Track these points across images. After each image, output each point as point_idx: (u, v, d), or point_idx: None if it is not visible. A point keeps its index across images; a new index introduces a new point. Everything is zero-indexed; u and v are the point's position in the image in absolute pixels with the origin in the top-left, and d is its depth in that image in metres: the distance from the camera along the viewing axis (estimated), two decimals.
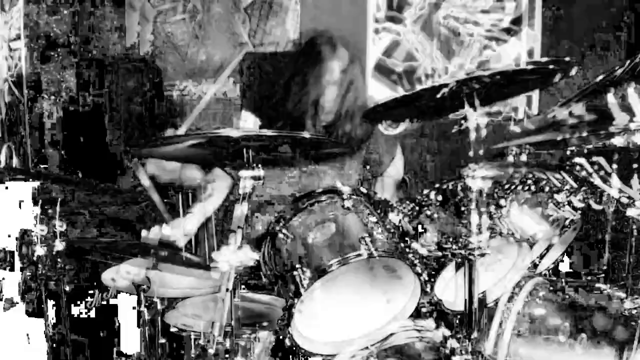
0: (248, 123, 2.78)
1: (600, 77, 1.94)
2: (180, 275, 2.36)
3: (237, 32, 4.09)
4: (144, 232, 2.38)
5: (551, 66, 1.84)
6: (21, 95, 4.55)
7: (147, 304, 2.26)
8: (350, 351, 2.06)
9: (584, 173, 2.05)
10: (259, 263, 2.13)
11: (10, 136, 4.64)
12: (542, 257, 2.36)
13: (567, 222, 2.19)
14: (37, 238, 2.54)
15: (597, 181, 2.01)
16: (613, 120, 1.86)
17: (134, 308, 2.37)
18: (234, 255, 1.85)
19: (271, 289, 2.27)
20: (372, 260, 1.98)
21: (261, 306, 2.34)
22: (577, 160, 2.04)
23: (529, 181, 2.16)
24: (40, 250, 2.54)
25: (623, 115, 1.85)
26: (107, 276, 2.44)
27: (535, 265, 2.32)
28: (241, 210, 1.89)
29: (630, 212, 1.91)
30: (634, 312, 1.93)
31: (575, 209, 2.15)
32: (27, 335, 2.87)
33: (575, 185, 2.12)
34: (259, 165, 1.93)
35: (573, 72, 1.86)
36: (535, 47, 3.59)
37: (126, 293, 2.59)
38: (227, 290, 1.84)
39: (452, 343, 1.90)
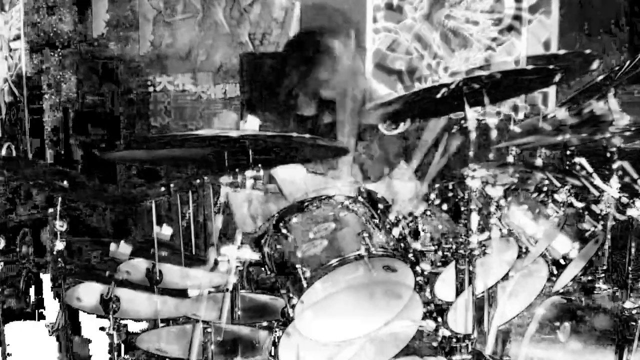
0: (248, 124, 2.75)
1: (601, 77, 1.93)
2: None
3: (237, 32, 4.09)
4: (112, 246, 2.21)
5: (551, 66, 1.83)
6: (21, 95, 4.55)
7: (115, 326, 2.15)
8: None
9: (583, 173, 2.05)
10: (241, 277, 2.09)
11: (10, 135, 4.64)
12: (560, 273, 2.14)
13: (587, 235, 2.07)
14: None
15: (597, 181, 2.00)
16: (613, 120, 1.86)
17: (101, 329, 2.22)
18: (234, 255, 1.85)
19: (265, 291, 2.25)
20: (371, 261, 1.97)
21: (247, 329, 2.22)
22: (577, 160, 2.03)
23: (545, 187, 2.09)
24: None
25: (622, 116, 1.84)
26: (72, 295, 2.29)
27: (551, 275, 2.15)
28: (241, 211, 1.89)
29: (631, 212, 1.91)
30: (633, 312, 1.92)
31: (597, 219, 2.05)
32: None
33: (597, 193, 2.04)
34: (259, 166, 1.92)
35: (595, 65, 1.80)
36: (552, 37, 3.51)
37: (92, 314, 2.40)
38: (226, 290, 1.84)
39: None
